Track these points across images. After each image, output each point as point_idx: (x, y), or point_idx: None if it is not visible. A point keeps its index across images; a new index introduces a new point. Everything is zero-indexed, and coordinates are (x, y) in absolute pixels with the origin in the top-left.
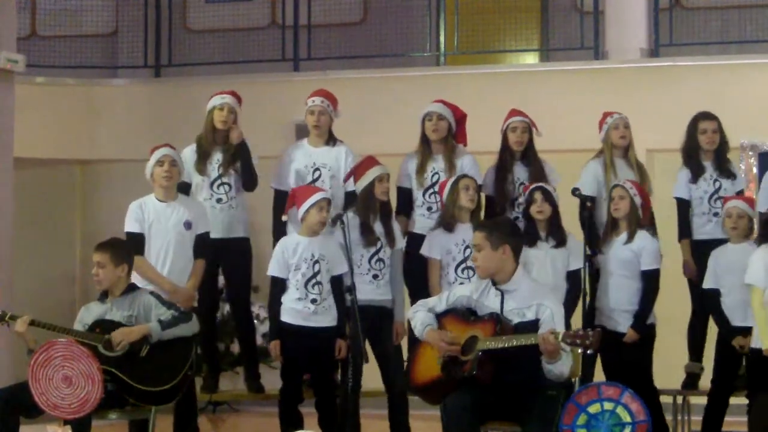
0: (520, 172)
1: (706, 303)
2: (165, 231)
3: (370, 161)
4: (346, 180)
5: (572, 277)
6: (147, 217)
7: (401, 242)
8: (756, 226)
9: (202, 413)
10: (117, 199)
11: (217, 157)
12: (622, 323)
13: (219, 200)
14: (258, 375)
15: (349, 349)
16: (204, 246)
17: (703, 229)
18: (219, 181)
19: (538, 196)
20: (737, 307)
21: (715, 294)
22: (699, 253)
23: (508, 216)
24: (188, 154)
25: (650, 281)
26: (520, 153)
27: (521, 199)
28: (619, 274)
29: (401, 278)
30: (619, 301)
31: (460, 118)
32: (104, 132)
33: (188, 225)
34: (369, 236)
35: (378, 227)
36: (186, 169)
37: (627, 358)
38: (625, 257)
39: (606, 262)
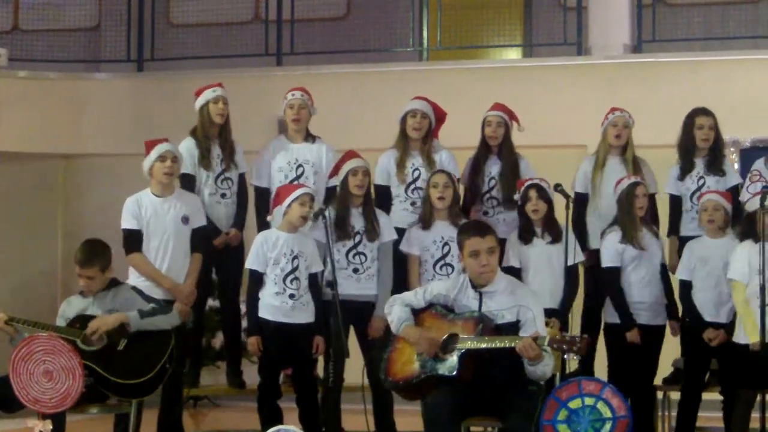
0: (492, 167)
1: (679, 294)
2: (163, 226)
3: (347, 155)
4: (330, 177)
5: (570, 272)
6: (144, 213)
7: (390, 235)
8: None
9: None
10: (99, 194)
11: (217, 151)
12: (659, 316)
13: (223, 195)
14: (240, 371)
15: (330, 344)
16: (201, 240)
17: (689, 225)
18: (222, 176)
19: (533, 193)
20: (709, 302)
21: (687, 286)
22: (681, 248)
23: (477, 210)
24: (189, 149)
25: (668, 276)
26: (496, 147)
27: (492, 193)
28: (656, 270)
29: (388, 272)
30: (659, 295)
31: (441, 116)
32: (87, 126)
33: (186, 219)
34: (342, 230)
35: (358, 221)
36: (188, 162)
37: (640, 353)
38: (660, 252)
39: (640, 258)
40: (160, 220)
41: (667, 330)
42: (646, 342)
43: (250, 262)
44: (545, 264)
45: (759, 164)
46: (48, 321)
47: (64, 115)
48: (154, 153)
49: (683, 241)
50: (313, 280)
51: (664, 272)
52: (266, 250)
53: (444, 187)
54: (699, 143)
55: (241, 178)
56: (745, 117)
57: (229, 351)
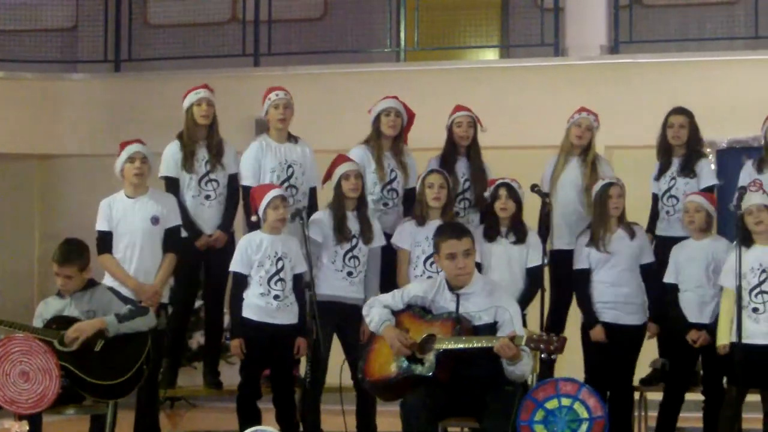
0: (462, 167)
1: (667, 297)
2: (132, 227)
3: (338, 159)
4: (324, 181)
5: (531, 273)
6: (115, 215)
7: (380, 240)
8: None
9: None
10: (76, 194)
11: (203, 153)
12: (632, 316)
13: (207, 197)
14: (217, 371)
15: (310, 345)
16: (174, 240)
17: (659, 225)
18: (207, 178)
19: (503, 192)
20: (693, 303)
21: (674, 289)
22: (654, 247)
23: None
24: (173, 152)
25: (652, 275)
26: (464, 148)
27: (466, 194)
28: (626, 268)
29: (376, 277)
30: (629, 294)
31: (410, 116)
32: (63, 127)
33: (155, 220)
34: (340, 233)
35: (354, 224)
36: (171, 166)
37: (621, 352)
38: (632, 253)
39: (608, 258)
40: (129, 221)
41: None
42: (618, 341)
43: (234, 265)
44: (505, 264)
45: (749, 167)
46: (25, 322)
47: (41, 115)
48: (124, 154)
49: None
50: (298, 280)
51: (647, 272)
52: (250, 253)
53: (440, 188)
54: (671, 141)
55: (232, 179)
56: (721, 118)
57: (208, 352)
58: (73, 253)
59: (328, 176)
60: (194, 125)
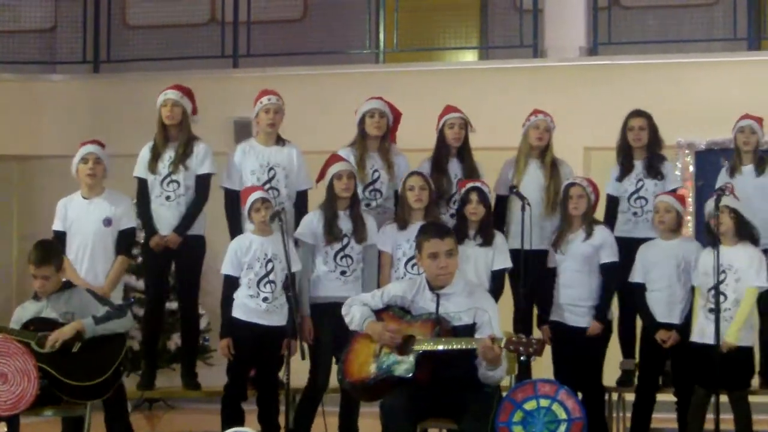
0: (455, 169)
1: (632, 297)
2: (84, 228)
3: (331, 159)
4: (318, 180)
5: (496, 276)
6: (69, 215)
7: (373, 238)
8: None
9: (137, 410)
10: (54, 196)
11: (170, 154)
12: (580, 318)
13: (168, 198)
14: (195, 373)
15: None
16: (126, 242)
17: (623, 227)
18: (168, 179)
19: (474, 197)
20: (662, 303)
21: (640, 288)
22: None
23: (443, 212)
24: (143, 152)
25: (611, 274)
26: (455, 150)
27: (456, 196)
28: (577, 270)
29: (373, 275)
30: (578, 297)
31: (396, 116)
32: (42, 128)
33: (108, 222)
34: (330, 233)
35: (346, 223)
36: (140, 166)
37: (581, 354)
38: (585, 253)
39: (563, 260)
40: (82, 222)
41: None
42: (578, 342)
43: (225, 268)
44: (471, 266)
45: (723, 175)
46: (2, 323)
47: (19, 116)
48: (78, 155)
49: (617, 241)
50: (292, 280)
51: (606, 271)
52: (240, 255)
53: (420, 189)
54: (632, 143)
55: (201, 180)
56: (700, 119)
57: (185, 353)
58: (49, 253)
59: (321, 176)
60: (162, 126)
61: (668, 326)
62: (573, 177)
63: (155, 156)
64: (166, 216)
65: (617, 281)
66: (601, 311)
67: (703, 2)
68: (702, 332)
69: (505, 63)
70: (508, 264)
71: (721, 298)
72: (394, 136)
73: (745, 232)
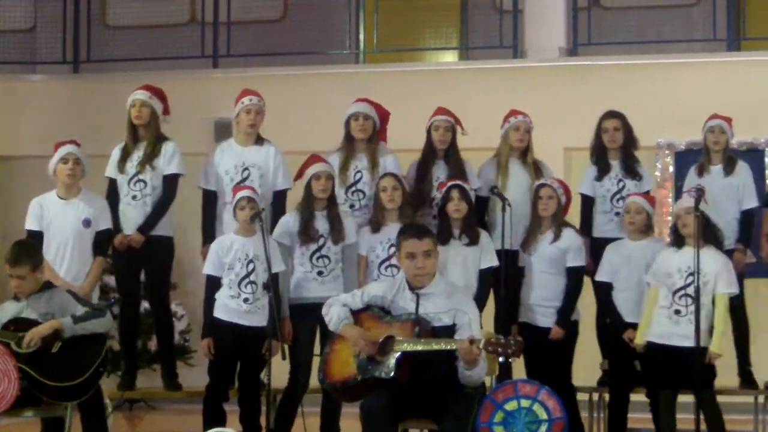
0: (440, 171)
1: (598, 295)
2: (63, 229)
3: (310, 159)
4: (296, 179)
5: (484, 275)
6: (46, 215)
7: (352, 238)
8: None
9: (118, 411)
10: (34, 195)
11: (138, 154)
12: (547, 319)
13: (134, 197)
14: (176, 373)
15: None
16: (104, 243)
17: (605, 227)
18: (135, 179)
19: (455, 194)
20: (630, 302)
21: (607, 287)
22: (598, 250)
23: (425, 214)
24: (114, 152)
25: (576, 278)
26: (442, 152)
27: (438, 197)
28: (544, 271)
29: (353, 275)
30: (544, 298)
31: (384, 116)
32: (22, 128)
33: (87, 223)
34: (305, 233)
35: (323, 224)
36: (110, 166)
37: (549, 354)
38: (552, 255)
39: (531, 260)
40: (60, 222)
41: (580, 328)
42: (545, 342)
43: (207, 268)
44: (460, 266)
45: (692, 175)
46: None
47: None
48: (57, 155)
49: (598, 242)
50: (274, 280)
51: (572, 276)
52: (221, 255)
53: (393, 190)
54: (608, 144)
55: (168, 180)
56: (680, 120)
57: (163, 354)
58: (23, 253)
59: (299, 175)
60: (131, 126)
61: (636, 326)
62: (544, 178)
63: (124, 156)
64: (132, 215)
65: (582, 284)
66: (563, 314)
67: (682, 3)
68: (663, 334)
69: (485, 63)
70: (495, 263)
71: (687, 300)
72: (383, 135)
73: (709, 234)
